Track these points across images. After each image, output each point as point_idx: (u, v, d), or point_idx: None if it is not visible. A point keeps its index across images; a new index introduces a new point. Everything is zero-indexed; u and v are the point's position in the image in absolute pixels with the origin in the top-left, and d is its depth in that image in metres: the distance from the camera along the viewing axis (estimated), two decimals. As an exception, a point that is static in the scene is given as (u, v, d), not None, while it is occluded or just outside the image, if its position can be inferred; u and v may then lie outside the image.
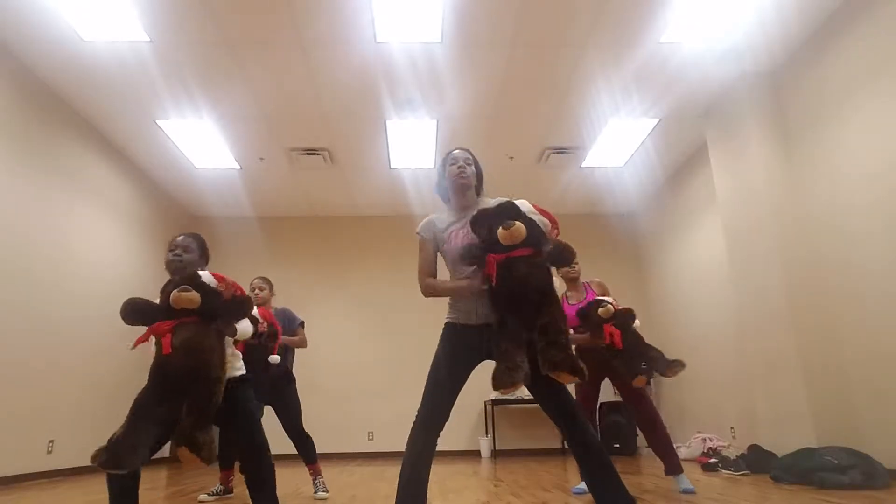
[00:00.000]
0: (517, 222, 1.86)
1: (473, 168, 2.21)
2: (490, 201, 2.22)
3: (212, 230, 7.67)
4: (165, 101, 5.00)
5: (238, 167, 6.34)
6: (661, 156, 6.33)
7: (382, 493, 3.51)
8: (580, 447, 1.88)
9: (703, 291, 6.14)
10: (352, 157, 6.20)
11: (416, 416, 1.99)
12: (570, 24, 4.19)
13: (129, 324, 1.90)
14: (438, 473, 4.66)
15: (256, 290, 3.76)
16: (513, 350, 1.81)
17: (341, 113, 5.32)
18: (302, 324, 3.86)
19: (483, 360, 2.07)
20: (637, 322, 3.29)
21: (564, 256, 1.92)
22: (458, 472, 4.81)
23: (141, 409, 1.78)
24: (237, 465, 3.63)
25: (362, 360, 7.35)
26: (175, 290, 1.87)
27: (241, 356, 2.34)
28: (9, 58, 4.35)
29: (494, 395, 6.75)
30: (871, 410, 3.74)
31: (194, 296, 1.88)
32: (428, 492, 1.97)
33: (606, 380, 3.47)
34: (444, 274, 2.17)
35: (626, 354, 3.12)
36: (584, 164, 6.50)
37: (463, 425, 7.08)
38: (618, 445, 6.47)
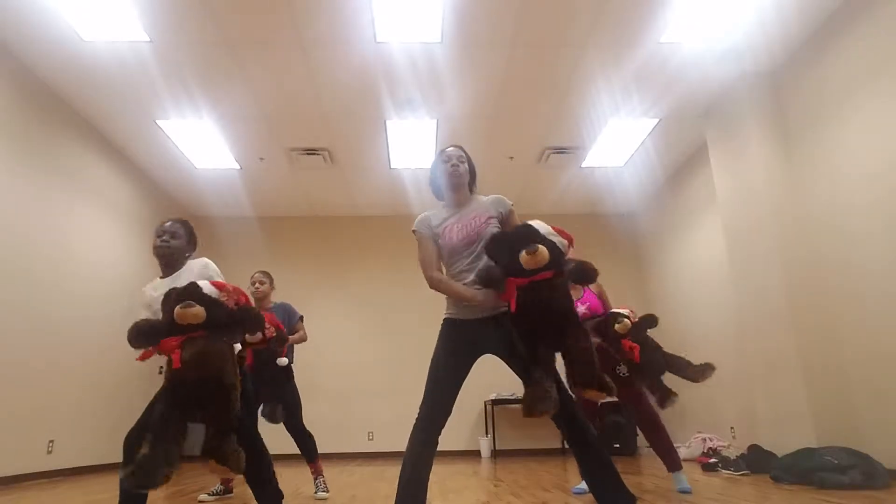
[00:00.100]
0: (541, 246, 1.84)
1: (466, 165, 2.23)
2: (483, 199, 2.24)
3: (212, 230, 7.67)
4: (165, 101, 5.00)
5: (238, 167, 6.34)
6: (661, 156, 6.33)
7: (382, 493, 3.51)
8: (580, 447, 1.88)
9: (703, 291, 6.14)
10: (352, 157, 6.20)
11: (418, 414, 1.99)
12: (570, 24, 4.19)
13: (136, 348, 1.87)
14: (438, 473, 4.66)
15: (257, 284, 3.79)
16: (543, 378, 1.80)
17: (341, 113, 5.32)
18: (301, 318, 3.88)
19: (483, 354, 2.07)
20: (630, 311, 3.23)
21: (588, 275, 1.91)
22: (458, 472, 4.81)
23: (163, 425, 1.76)
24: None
25: (362, 360, 7.35)
26: (178, 307, 1.83)
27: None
28: (9, 58, 4.35)
29: (494, 394, 6.76)
30: (871, 410, 3.74)
31: (199, 311, 1.84)
32: (428, 492, 1.97)
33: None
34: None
35: (645, 369, 3.09)
36: (584, 164, 6.50)
37: (463, 425, 7.08)
38: (618, 445, 6.47)
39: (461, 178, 2.20)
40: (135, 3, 3.85)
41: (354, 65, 4.57)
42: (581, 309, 3.40)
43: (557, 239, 1.93)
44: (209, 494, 3.45)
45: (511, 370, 2.04)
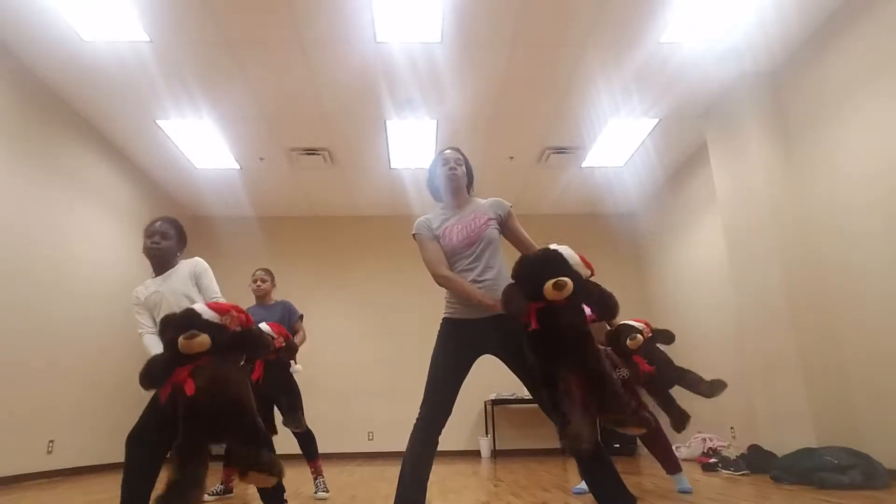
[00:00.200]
0: (570, 282, 1.80)
1: (464, 168, 2.24)
2: (481, 201, 2.24)
3: (212, 230, 7.67)
4: (165, 101, 5.00)
5: (238, 167, 6.34)
6: (661, 156, 6.33)
7: (382, 493, 3.51)
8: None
9: (703, 291, 6.14)
10: (352, 157, 6.20)
11: (418, 414, 1.99)
12: (570, 24, 4.19)
13: (150, 389, 1.87)
14: (438, 473, 4.66)
15: (259, 282, 3.80)
16: (572, 412, 1.75)
17: (341, 113, 5.32)
18: (301, 317, 3.88)
19: (483, 354, 2.07)
20: (645, 324, 3.21)
21: (610, 312, 1.87)
22: (458, 472, 4.81)
23: (187, 451, 1.77)
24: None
25: (362, 360, 7.35)
26: (182, 338, 1.81)
27: None
28: (9, 58, 4.35)
29: (494, 394, 6.76)
30: (871, 410, 3.74)
31: (204, 339, 1.82)
32: (428, 492, 1.97)
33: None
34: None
35: (658, 386, 3.07)
36: (584, 164, 6.50)
37: (463, 425, 7.08)
38: (618, 445, 6.48)
39: (459, 181, 2.20)
40: (135, 3, 3.85)
41: (354, 65, 4.57)
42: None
43: (583, 271, 1.90)
44: (209, 494, 3.45)
45: (511, 371, 2.04)
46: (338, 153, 6.11)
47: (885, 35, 3.64)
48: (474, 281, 2.05)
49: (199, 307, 1.93)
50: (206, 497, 3.39)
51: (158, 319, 2.30)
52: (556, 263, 1.87)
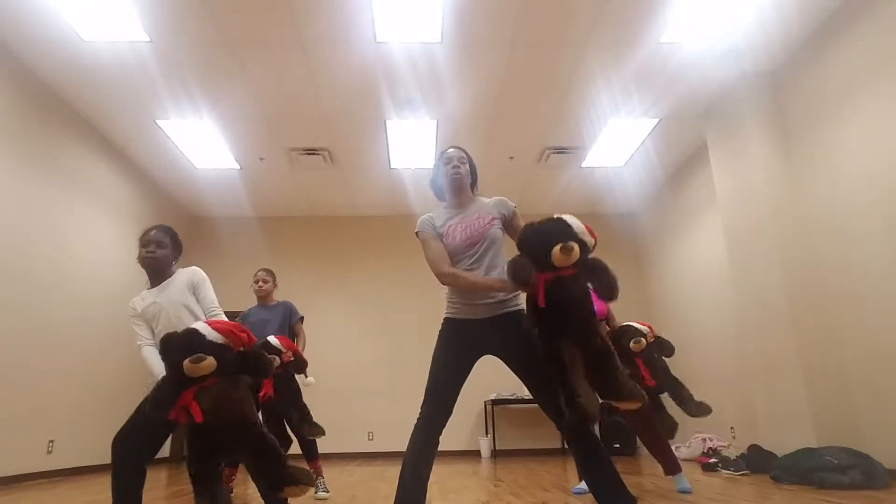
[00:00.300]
0: (576, 245, 1.80)
1: (468, 166, 2.23)
2: (485, 200, 2.23)
3: (212, 230, 7.67)
4: (165, 101, 5.00)
5: (238, 167, 6.34)
6: (661, 156, 6.33)
7: (382, 493, 3.51)
8: (580, 447, 1.88)
9: (703, 291, 6.14)
10: (352, 157, 6.20)
11: (420, 414, 1.99)
12: (570, 24, 4.19)
13: (160, 416, 1.87)
14: (438, 473, 4.66)
15: (260, 283, 3.80)
16: (579, 383, 1.75)
17: (341, 113, 5.32)
18: (302, 319, 3.88)
19: (484, 355, 2.07)
20: (648, 327, 3.21)
21: (611, 293, 1.84)
22: (458, 472, 4.81)
23: (202, 474, 1.80)
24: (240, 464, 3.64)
25: (362, 360, 7.34)
26: (188, 361, 1.79)
27: None
28: (9, 58, 4.35)
29: (494, 394, 6.76)
30: (871, 410, 3.74)
31: (210, 362, 1.80)
32: (428, 492, 1.97)
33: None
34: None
35: (652, 394, 3.07)
36: (584, 164, 6.50)
37: (463, 425, 7.07)
38: (618, 445, 6.47)
39: (463, 180, 2.19)
40: (135, 3, 3.85)
41: (354, 65, 4.57)
42: None
43: (588, 238, 1.89)
44: (209, 494, 3.44)
45: (511, 371, 2.04)
46: (338, 153, 6.10)
47: (885, 35, 3.64)
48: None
49: (203, 328, 1.89)
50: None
51: (157, 331, 2.29)
52: (562, 229, 1.85)
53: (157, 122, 5.36)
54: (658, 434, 3.28)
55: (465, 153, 2.26)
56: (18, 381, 4.37)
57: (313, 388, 3.62)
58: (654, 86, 4.98)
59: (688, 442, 5.60)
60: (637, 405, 1.80)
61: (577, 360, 1.80)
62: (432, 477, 1.99)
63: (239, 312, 3.89)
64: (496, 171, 6.53)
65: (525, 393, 6.57)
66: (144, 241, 2.32)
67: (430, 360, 2.06)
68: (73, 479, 4.72)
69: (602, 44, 4.40)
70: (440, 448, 2.01)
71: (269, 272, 3.88)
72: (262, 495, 2.19)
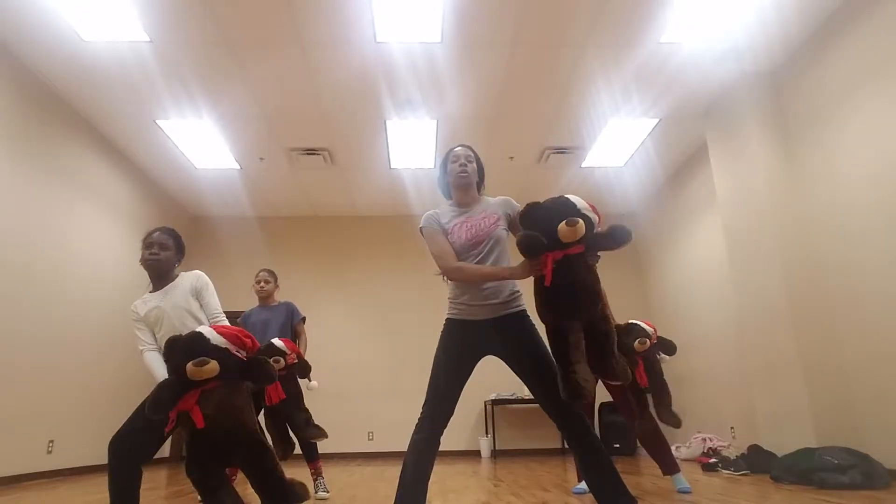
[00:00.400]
0: (580, 220, 1.79)
1: (475, 165, 2.20)
2: (491, 199, 2.22)
3: (212, 230, 7.67)
4: (165, 101, 5.00)
5: (238, 167, 6.34)
6: (661, 156, 6.33)
7: (382, 493, 3.51)
8: (580, 447, 1.88)
9: (703, 291, 6.14)
10: (352, 157, 6.20)
11: (421, 414, 1.99)
12: (570, 24, 4.19)
13: (159, 416, 1.88)
14: (438, 473, 4.66)
15: (262, 283, 3.80)
16: (578, 359, 1.76)
17: (341, 113, 5.32)
18: (303, 319, 3.88)
19: (485, 355, 2.07)
20: (652, 327, 3.20)
21: (624, 236, 1.84)
22: (458, 472, 4.81)
23: (207, 480, 1.81)
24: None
25: (362, 360, 7.35)
26: (191, 364, 1.80)
27: None
28: (9, 58, 4.35)
29: (494, 395, 6.76)
30: (871, 410, 3.74)
31: (214, 366, 1.81)
32: (428, 492, 1.97)
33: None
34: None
35: (646, 391, 3.08)
36: (584, 164, 6.50)
37: (463, 425, 7.07)
38: (618, 445, 6.47)
39: (469, 179, 2.16)
40: (135, 3, 3.85)
41: (354, 65, 4.57)
42: None
43: (591, 215, 1.88)
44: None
45: (512, 371, 2.04)
46: (338, 153, 6.11)
47: (885, 35, 3.64)
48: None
49: (207, 331, 1.89)
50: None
51: (159, 335, 2.28)
52: (566, 206, 1.85)
53: (157, 122, 5.36)
54: (659, 433, 3.28)
55: (473, 152, 2.23)
56: (18, 381, 4.37)
57: (314, 389, 3.61)
58: (653, 86, 4.98)
59: (688, 442, 5.60)
60: (620, 382, 1.84)
61: (581, 340, 1.80)
62: (432, 477, 1.99)
63: (239, 313, 3.89)
64: (496, 171, 6.52)
65: (525, 393, 6.57)
66: (147, 243, 2.31)
67: (430, 360, 2.06)
68: (73, 479, 4.72)
69: (602, 44, 4.40)
70: (440, 448, 2.01)
71: (271, 272, 3.88)
72: (260, 496, 2.19)
